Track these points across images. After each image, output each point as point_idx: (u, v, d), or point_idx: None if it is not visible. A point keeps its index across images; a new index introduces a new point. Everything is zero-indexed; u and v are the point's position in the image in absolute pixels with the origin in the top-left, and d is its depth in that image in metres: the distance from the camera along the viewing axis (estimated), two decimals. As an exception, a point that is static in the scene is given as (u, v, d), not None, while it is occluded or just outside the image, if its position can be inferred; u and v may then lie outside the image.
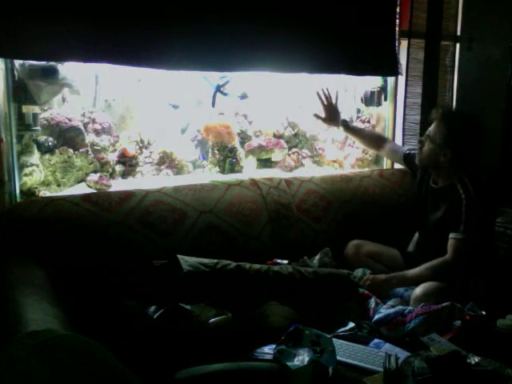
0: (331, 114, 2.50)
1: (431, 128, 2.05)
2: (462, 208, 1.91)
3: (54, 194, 2.07)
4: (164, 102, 2.48)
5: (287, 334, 1.43)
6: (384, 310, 1.74)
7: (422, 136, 2.18)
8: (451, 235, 1.92)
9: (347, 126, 2.51)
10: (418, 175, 2.23)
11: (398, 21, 2.56)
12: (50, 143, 2.15)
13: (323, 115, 2.52)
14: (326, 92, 2.50)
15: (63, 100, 2.28)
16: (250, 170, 2.58)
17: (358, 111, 2.94)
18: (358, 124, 2.87)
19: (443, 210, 2.02)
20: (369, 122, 2.88)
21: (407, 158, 2.35)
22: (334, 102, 2.50)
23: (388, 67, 2.58)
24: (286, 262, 2.00)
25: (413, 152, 2.28)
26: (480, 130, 1.99)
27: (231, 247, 2.03)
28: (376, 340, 1.59)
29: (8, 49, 1.75)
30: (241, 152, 2.59)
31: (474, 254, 1.92)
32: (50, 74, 1.98)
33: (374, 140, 2.55)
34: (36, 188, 2.07)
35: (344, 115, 2.90)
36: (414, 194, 2.33)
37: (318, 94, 2.49)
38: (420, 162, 2.12)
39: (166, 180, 2.35)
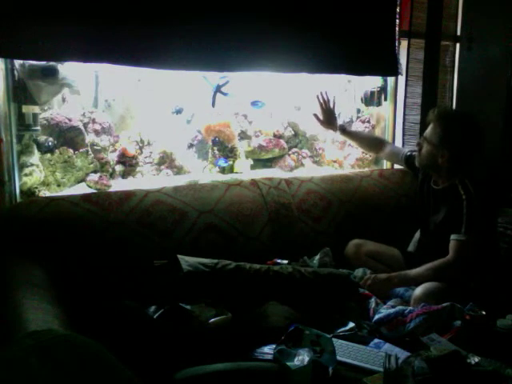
0: (329, 118, 2.50)
1: (428, 130, 2.05)
2: (463, 209, 1.91)
3: (53, 194, 2.08)
4: (163, 101, 2.48)
5: (287, 334, 1.43)
6: (384, 310, 1.74)
7: (421, 136, 2.18)
8: (453, 236, 1.92)
9: (344, 131, 2.51)
10: (419, 176, 2.22)
11: (398, 21, 2.56)
12: (50, 143, 2.15)
13: (321, 118, 2.52)
14: (325, 96, 2.50)
15: (63, 100, 2.29)
16: (246, 171, 2.58)
17: (358, 111, 2.94)
18: (358, 124, 2.87)
19: (444, 211, 2.02)
20: (369, 121, 2.87)
21: (408, 160, 2.34)
22: (332, 106, 2.50)
23: (388, 67, 2.58)
24: (285, 261, 2.00)
25: (414, 154, 2.26)
26: (477, 130, 1.98)
27: (231, 247, 2.03)
28: (376, 340, 1.59)
29: (8, 49, 1.75)
30: (241, 152, 2.59)
31: (476, 255, 1.92)
32: (50, 74, 1.98)
33: (373, 143, 2.55)
34: (36, 188, 2.07)
35: (344, 115, 2.91)
36: (414, 194, 2.33)
37: (318, 97, 2.49)
38: (420, 165, 2.12)
39: (165, 180, 2.35)
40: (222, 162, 2.49)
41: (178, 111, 2.48)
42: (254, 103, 2.61)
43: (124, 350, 1.12)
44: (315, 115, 2.53)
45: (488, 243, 2.01)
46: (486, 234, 1.99)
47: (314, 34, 2.27)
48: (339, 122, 2.71)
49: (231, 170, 2.52)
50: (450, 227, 1.94)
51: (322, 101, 2.48)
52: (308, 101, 2.73)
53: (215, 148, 2.54)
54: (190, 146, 2.57)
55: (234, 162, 2.53)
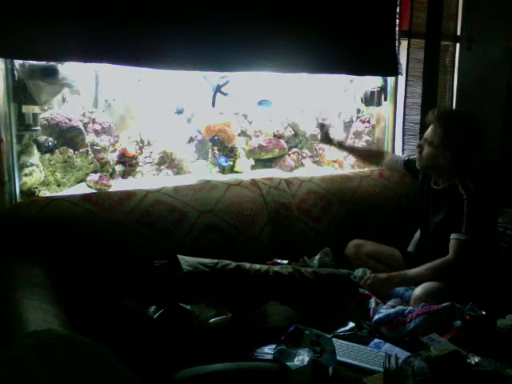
0: (326, 138, 2.51)
1: (428, 131, 2.05)
2: (464, 209, 1.91)
3: (53, 194, 2.08)
4: (163, 101, 2.48)
5: (287, 334, 1.43)
6: (384, 310, 1.74)
7: (421, 137, 2.18)
8: (453, 236, 1.92)
9: (342, 145, 2.52)
10: (419, 178, 2.22)
11: (398, 21, 2.56)
12: (50, 143, 2.15)
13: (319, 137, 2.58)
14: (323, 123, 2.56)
15: (63, 100, 2.29)
16: (246, 171, 2.59)
17: (358, 111, 2.95)
18: (358, 124, 2.88)
19: (444, 211, 2.01)
20: (369, 121, 2.88)
21: (408, 165, 2.33)
22: (328, 130, 2.52)
23: (388, 67, 2.58)
24: (285, 261, 2.00)
25: (412, 157, 2.26)
26: (477, 129, 1.98)
27: (231, 247, 2.03)
28: (376, 340, 1.59)
29: (8, 49, 1.75)
30: (241, 151, 2.59)
31: (476, 255, 1.92)
32: (50, 74, 1.98)
33: (372, 155, 2.57)
34: (36, 188, 2.07)
35: (344, 115, 2.92)
36: (414, 194, 2.33)
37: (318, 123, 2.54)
38: (421, 166, 2.11)
39: (165, 180, 2.35)
40: (222, 161, 2.49)
41: (180, 111, 2.49)
42: (261, 102, 2.61)
43: (124, 349, 1.12)
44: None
45: (488, 243, 2.01)
46: (487, 233, 1.99)
47: (314, 34, 2.26)
48: (339, 122, 2.69)
49: (231, 169, 2.52)
50: (450, 227, 1.94)
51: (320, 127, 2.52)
52: (308, 101, 2.73)
53: (215, 148, 2.54)
54: (190, 140, 2.56)
55: (234, 161, 2.53)
